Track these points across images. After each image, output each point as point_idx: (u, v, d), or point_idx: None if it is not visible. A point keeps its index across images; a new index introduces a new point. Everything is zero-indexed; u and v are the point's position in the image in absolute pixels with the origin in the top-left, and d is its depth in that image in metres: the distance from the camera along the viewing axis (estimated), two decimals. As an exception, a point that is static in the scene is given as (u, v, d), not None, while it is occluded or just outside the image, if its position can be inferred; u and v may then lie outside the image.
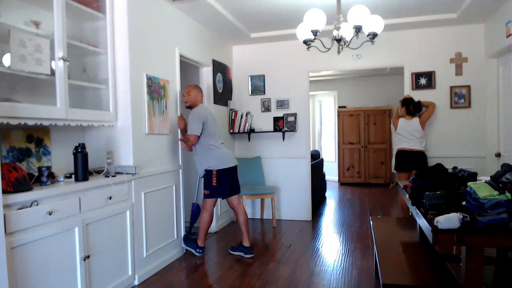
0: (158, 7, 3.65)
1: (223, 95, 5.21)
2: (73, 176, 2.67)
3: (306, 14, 3.12)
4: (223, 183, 3.77)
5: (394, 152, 4.84)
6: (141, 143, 3.31)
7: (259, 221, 5.44)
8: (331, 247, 4.18)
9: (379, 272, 2.25)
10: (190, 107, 3.85)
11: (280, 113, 5.43)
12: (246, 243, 3.88)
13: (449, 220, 1.77)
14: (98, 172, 2.99)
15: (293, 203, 5.46)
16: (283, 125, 5.36)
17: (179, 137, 3.94)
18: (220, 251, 4.12)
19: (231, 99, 5.52)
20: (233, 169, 3.87)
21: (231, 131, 5.40)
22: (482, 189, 1.85)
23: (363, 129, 8.65)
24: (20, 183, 2.14)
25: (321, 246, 4.22)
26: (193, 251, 3.91)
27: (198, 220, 4.78)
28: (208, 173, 3.78)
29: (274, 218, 5.14)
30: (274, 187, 5.43)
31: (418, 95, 4.78)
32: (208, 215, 3.86)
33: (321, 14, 3.09)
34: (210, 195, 3.81)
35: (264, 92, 5.52)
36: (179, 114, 3.95)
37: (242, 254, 3.86)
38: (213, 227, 4.81)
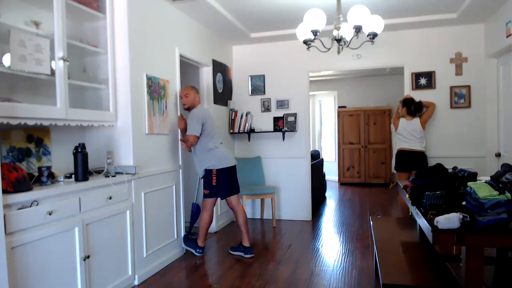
0: (158, 7, 3.65)
1: (223, 95, 5.21)
2: (73, 176, 2.67)
3: (306, 14, 3.12)
4: (223, 182, 3.78)
5: (394, 152, 4.84)
6: (141, 143, 3.31)
7: (259, 221, 5.43)
8: (331, 247, 4.18)
9: (379, 272, 2.25)
10: (188, 108, 3.86)
11: (280, 113, 5.43)
12: (246, 243, 3.88)
13: (449, 220, 1.77)
14: (98, 172, 2.99)
15: (293, 203, 5.46)
16: (283, 125, 5.36)
17: (179, 137, 3.94)
18: (220, 251, 4.12)
19: (231, 99, 5.52)
20: (233, 169, 3.88)
21: (231, 131, 5.40)
22: (482, 189, 1.85)
23: (363, 129, 8.65)
24: (20, 183, 2.14)
25: (321, 246, 4.21)
26: (193, 251, 3.91)
27: (198, 220, 4.78)
28: (208, 173, 3.78)
29: (274, 218, 5.14)
30: (274, 187, 5.42)
31: (418, 95, 4.78)
32: (208, 215, 3.86)
33: (321, 14, 3.09)
34: (210, 194, 3.82)
35: (264, 92, 5.52)
36: (179, 114, 3.95)
37: (242, 254, 3.86)
38: (213, 227, 4.81)
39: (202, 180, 3.91)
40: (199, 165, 3.84)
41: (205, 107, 4.32)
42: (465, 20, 4.52)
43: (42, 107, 2.41)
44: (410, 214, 2.42)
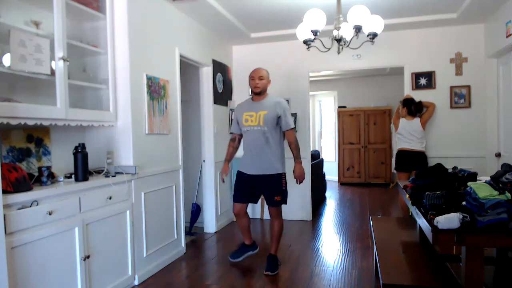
0: (158, 7, 3.65)
1: (223, 95, 5.21)
2: (73, 176, 2.67)
3: (306, 14, 3.12)
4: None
5: (394, 152, 4.84)
6: (141, 143, 3.31)
7: (259, 221, 5.43)
8: (331, 247, 4.18)
9: (379, 272, 2.25)
10: (259, 93, 3.45)
11: (280, 113, 5.42)
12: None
13: (449, 220, 1.77)
14: (98, 172, 2.98)
15: (293, 203, 5.44)
16: (283, 125, 5.35)
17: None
18: (220, 251, 4.12)
19: (231, 99, 5.52)
20: None
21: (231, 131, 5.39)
22: (482, 189, 1.85)
23: (363, 129, 8.65)
24: (20, 183, 2.14)
25: (321, 246, 4.21)
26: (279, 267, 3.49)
27: (197, 220, 4.78)
28: (276, 178, 3.33)
29: (274, 218, 5.13)
30: (274, 187, 5.41)
31: (418, 95, 4.78)
32: (282, 221, 3.46)
33: (321, 14, 3.09)
34: (282, 201, 3.37)
35: (264, 92, 5.51)
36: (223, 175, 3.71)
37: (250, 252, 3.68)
38: (213, 227, 4.81)
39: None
40: (272, 164, 3.33)
41: None
42: (465, 20, 4.52)
43: (42, 107, 2.41)
44: (410, 214, 2.42)
